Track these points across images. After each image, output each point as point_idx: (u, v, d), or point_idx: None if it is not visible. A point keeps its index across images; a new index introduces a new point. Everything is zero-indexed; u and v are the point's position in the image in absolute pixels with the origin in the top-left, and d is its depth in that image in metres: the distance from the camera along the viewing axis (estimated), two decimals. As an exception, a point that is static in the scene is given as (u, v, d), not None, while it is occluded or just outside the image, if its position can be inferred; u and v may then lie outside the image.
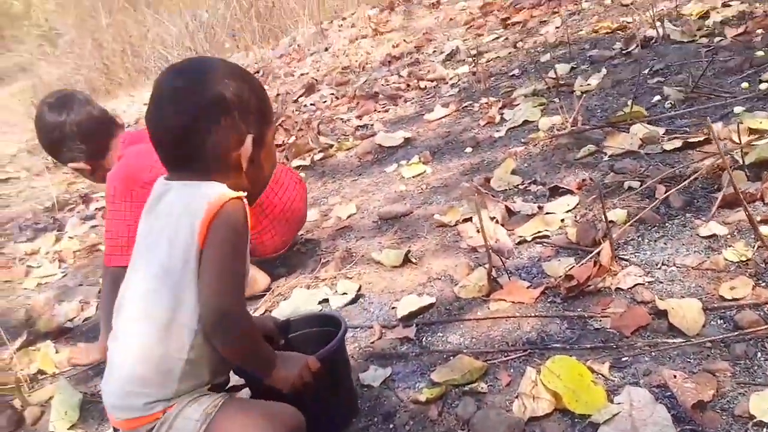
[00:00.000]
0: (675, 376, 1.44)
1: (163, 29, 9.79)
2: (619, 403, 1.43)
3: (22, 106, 11.79)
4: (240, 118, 1.41)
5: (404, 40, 6.06)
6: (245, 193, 1.41)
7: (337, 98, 5.12)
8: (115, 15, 10.89)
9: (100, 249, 3.70)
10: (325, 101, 5.12)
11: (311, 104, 5.17)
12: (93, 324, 2.81)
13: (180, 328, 1.35)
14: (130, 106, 8.68)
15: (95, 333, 2.71)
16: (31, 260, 3.85)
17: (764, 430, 1.29)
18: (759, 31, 3.27)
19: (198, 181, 1.40)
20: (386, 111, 4.38)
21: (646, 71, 3.26)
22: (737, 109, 2.56)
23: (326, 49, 7.04)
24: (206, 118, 1.39)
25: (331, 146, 4.00)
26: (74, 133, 2.37)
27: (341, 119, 4.52)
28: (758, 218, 1.88)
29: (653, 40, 3.60)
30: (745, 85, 2.78)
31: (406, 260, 2.40)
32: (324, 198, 3.36)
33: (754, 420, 1.31)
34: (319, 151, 3.97)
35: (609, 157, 2.59)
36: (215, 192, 1.36)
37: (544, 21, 4.90)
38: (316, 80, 5.84)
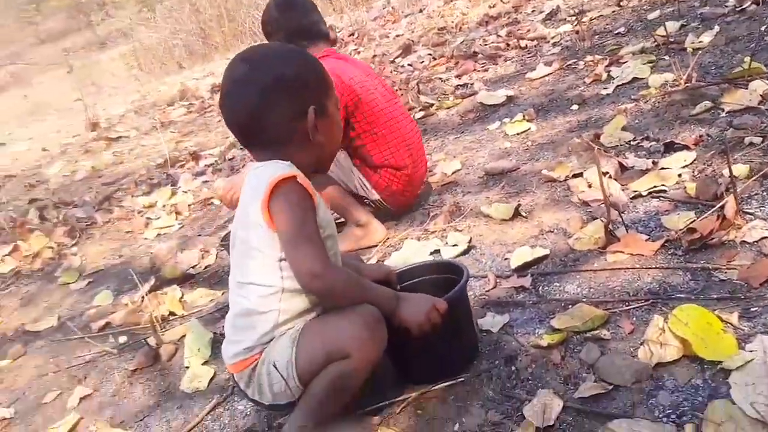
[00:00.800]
0: (810, 326, 1.41)
1: (257, -6, 9.92)
2: (751, 351, 1.41)
3: (125, 70, 12.23)
4: (300, 92, 1.54)
5: (501, 1, 5.97)
6: (298, 171, 1.50)
7: (434, 59, 5.10)
8: (212, -19, 11.10)
9: (213, 202, 3.84)
10: (422, 62, 5.12)
11: (408, 65, 5.18)
12: (213, 271, 2.93)
13: (265, 290, 1.52)
14: (228, 69, 8.87)
15: (216, 279, 2.84)
16: (149, 213, 4.04)
17: None
18: None
19: (267, 162, 1.54)
20: (486, 70, 4.35)
21: (763, 28, 3.12)
22: None
23: (421, 11, 7.01)
24: (270, 97, 1.51)
25: (432, 105, 4.01)
26: None
27: (440, 79, 4.51)
28: None
29: (769, -4, 3.45)
30: None
31: (516, 214, 2.41)
32: (428, 155, 3.38)
33: None
34: (420, 110, 3.99)
35: (727, 113, 2.51)
36: (270, 176, 1.47)
37: (649, -22, 4.75)
38: (412, 41, 5.84)
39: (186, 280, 2.90)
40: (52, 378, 2.51)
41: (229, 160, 4.65)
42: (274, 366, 1.51)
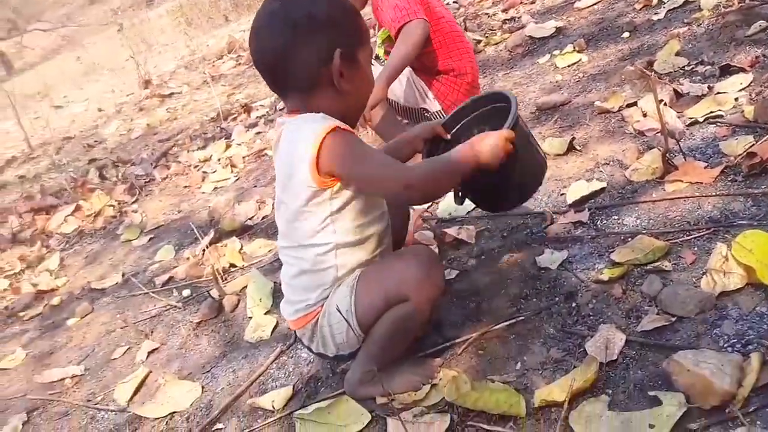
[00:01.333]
0: None
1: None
2: (819, 276, 1.38)
3: (173, 26, 12.25)
4: (329, 33, 1.47)
5: (544, -72, 5.76)
6: (341, 123, 1.46)
7: (479, -7, 4.98)
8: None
9: (267, 154, 3.87)
10: (467, -2, 5.00)
11: (453, 1, 5.06)
12: (270, 221, 2.97)
13: (321, 249, 1.53)
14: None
15: (274, 230, 2.87)
16: (205, 167, 4.09)
17: None
18: None
19: (300, 116, 1.50)
20: (533, 2, 4.23)
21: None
22: None
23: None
24: (297, 37, 1.45)
25: (479, 42, 3.93)
26: None
27: (486, 14, 4.41)
28: None
29: None
30: None
31: (571, 147, 2.37)
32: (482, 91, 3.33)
33: None
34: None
35: (785, 31, 2.40)
36: (313, 133, 1.43)
37: None
38: (455, -23, 5.69)
39: (244, 231, 2.95)
40: (120, 333, 2.60)
41: (280, 110, 4.65)
42: (338, 310, 1.53)
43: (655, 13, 3.11)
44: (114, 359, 2.43)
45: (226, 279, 2.60)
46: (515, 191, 1.73)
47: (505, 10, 4.30)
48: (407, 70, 2.66)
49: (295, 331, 1.68)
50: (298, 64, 1.47)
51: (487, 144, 1.51)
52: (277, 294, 2.34)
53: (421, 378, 1.59)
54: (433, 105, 2.69)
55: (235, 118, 4.87)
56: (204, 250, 2.76)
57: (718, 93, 2.25)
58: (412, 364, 1.64)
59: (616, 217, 1.91)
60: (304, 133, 1.45)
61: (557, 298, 1.70)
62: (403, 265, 1.52)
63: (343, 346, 1.59)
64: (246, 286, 2.42)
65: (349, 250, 1.55)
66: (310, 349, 1.68)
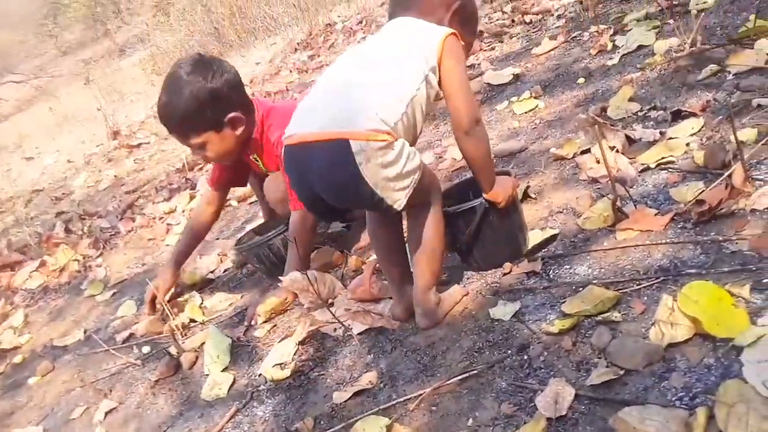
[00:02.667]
0: (823, 296, 1.36)
1: (266, -12, 9.88)
2: (763, 325, 1.36)
3: (144, 75, 12.27)
4: None
5: (505, -24, 5.85)
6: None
7: (441, 40, 5.02)
8: (221, -21, 11.06)
9: (231, 205, 3.84)
10: (430, 45, 5.05)
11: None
12: (232, 274, 2.93)
13: (409, 81, 1.67)
14: (242, 67, 8.86)
15: (235, 283, 2.84)
16: (169, 218, 4.05)
17: None
18: None
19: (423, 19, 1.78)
20: (492, 49, 4.27)
21: (768, -17, 3.01)
22: None
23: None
24: None
25: (441, 89, 3.94)
26: None
27: (447, 61, 4.44)
28: None
29: (773, -51, 3.32)
30: None
31: (526, 195, 2.36)
32: (437, 140, 3.34)
33: None
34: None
35: (733, 75, 2.42)
36: (440, 28, 1.73)
37: (651, -60, 4.61)
38: (419, 24, 5.75)
39: (206, 285, 2.90)
40: (79, 393, 2.53)
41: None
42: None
43: (610, 58, 3.15)
44: (72, 419, 2.38)
45: (185, 335, 2.55)
46: (510, 243, 2.01)
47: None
48: None
49: (342, 141, 1.59)
50: None
51: (502, 180, 1.88)
52: (235, 350, 2.30)
53: (460, 291, 1.94)
54: None
55: (201, 168, 4.84)
56: (163, 306, 2.70)
57: (670, 138, 2.26)
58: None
59: (568, 267, 1.90)
60: (432, 25, 1.75)
61: (509, 351, 1.68)
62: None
63: (398, 187, 1.66)
64: (204, 343, 2.37)
65: (418, 110, 1.70)
66: (346, 181, 1.62)
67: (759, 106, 2.15)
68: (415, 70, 1.68)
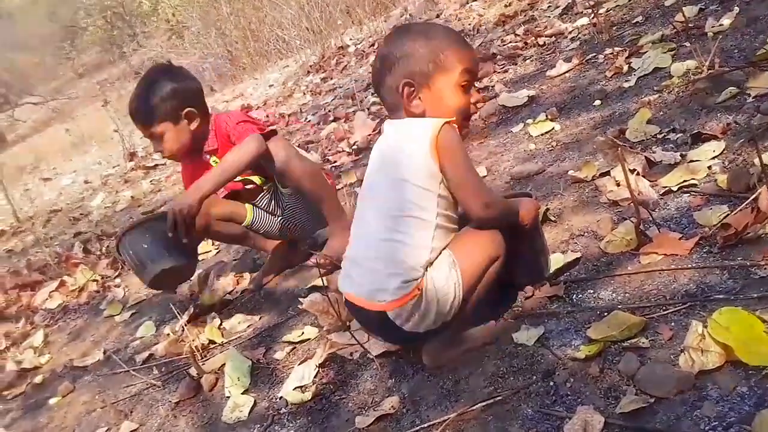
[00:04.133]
0: None
1: (279, 12, 9.92)
2: (797, 354, 1.32)
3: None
4: (397, 68, 1.75)
5: (517, -1, 5.87)
6: (453, 118, 1.73)
7: (455, 63, 5.01)
8: (234, 4, 11.14)
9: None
10: (443, 67, 5.04)
11: (430, 71, 5.10)
12: (251, 295, 2.90)
13: (423, 226, 1.69)
14: (256, 89, 8.90)
15: (253, 304, 2.81)
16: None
17: None
18: None
19: (414, 119, 1.76)
20: (506, 71, 4.26)
21: (785, 5, 2.99)
22: None
23: (437, 16, 6.91)
24: (382, 70, 1.79)
25: (455, 111, 3.92)
26: None
27: (462, 83, 4.42)
28: None
29: (788, -28, 3.30)
30: None
31: (546, 218, 2.33)
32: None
33: None
34: (445, 117, 3.90)
35: (753, 98, 2.39)
36: (430, 124, 1.69)
37: (664, -36, 4.59)
38: (432, 47, 5.75)
39: (224, 306, 2.87)
40: (100, 414, 2.51)
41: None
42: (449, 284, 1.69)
43: (626, 80, 3.12)
44: (93, 442, 2.35)
45: (205, 357, 2.53)
46: (533, 264, 1.97)
47: (479, 79, 4.32)
48: None
49: (384, 313, 1.69)
50: (391, 92, 1.81)
51: (526, 203, 1.87)
52: (255, 371, 2.27)
53: (490, 332, 1.85)
54: None
55: (217, 190, 4.82)
56: (183, 327, 2.68)
57: (691, 161, 2.23)
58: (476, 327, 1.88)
59: (591, 291, 1.86)
60: (422, 122, 1.72)
61: (534, 377, 1.64)
62: (491, 231, 1.75)
63: (441, 317, 1.71)
64: (224, 364, 2.35)
65: (443, 233, 1.72)
66: (392, 333, 1.76)
67: (780, 128, 2.12)
68: (427, 207, 1.70)
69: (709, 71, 2.65)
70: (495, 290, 1.86)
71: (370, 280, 1.72)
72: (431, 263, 1.69)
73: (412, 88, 1.74)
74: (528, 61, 4.24)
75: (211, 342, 2.61)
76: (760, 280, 1.59)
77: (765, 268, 1.62)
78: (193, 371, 2.37)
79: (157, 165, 6.76)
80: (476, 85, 4.02)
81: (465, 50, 1.80)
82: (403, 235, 1.68)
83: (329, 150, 4.55)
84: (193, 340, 2.54)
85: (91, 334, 3.37)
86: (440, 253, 1.71)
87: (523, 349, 1.75)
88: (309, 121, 5.69)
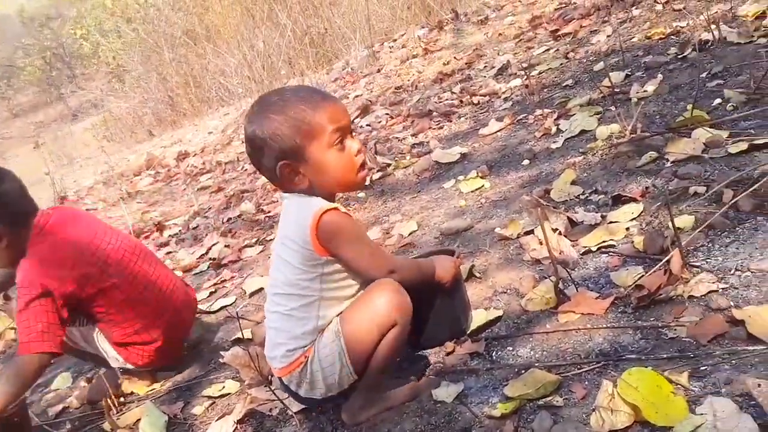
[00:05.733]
0: (759, 385, 1.36)
1: (222, 60, 9.95)
2: (701, 414, 1.36)
3: (96, 140, 12.16)
4: (267, 151, 1.69)
5: (455, 58, 6.02)
6: (337, 205, 1.70)
7: (391, 117, 5.10)
8: (177, 50, 11.14)
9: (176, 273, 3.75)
10: (380, 121, 5.12)
11: (367, 125, 5.17)
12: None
13: (308, 300, 1.70)
14: (195, 135, 8.85)
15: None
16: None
17: None
18: (820, 28, 3.14)
19: (302, 196, 1.72)
20: (441, 128, 4.34)
21: (704, 75, 3.14)
22: (802, 108, 2.45)
23: (378, 71, 7.05)
24: (255, 153, 1.73)
25: (389, 165, 3.98)
26: None
27: (397, 138, 4.50)
28: (832, 218, 1.78)
29: (709, 43, 3.48)
30: (808, 83, 2.66)
31: (471, 275, 2.36)
32: (385, 216, 3.34)
33: None
34: (378, 171, 3.95)
35: (671, 163, 2.50)
36: (310, 210, 1.66)
37: (595, 30, 4.80)
38: (371, 101, 5.85)
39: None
40: (6, 471, 2.38)
41: (193, 229, 4.57)
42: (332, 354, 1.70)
43: (554, 142, 3.22)
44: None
45: (121, 410, 2.44)
46: (455, 320, 1.94)
47: (414, 135, 4.39)
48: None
49: (280, 379, 1.79)
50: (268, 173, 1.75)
51: (442, 260, 1.87)
52: (172, 427, 2.20)
53: (409, 391, 1.83)
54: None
55: (147, 236, 4.74)
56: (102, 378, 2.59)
57: (611, 222, 2.30)
58: (395, 384, 1.86)
59: (510, 348, 1.88)
60: (303, 210, 1.68)
61: (452, 435, 1.64)
62: (383, 296, 1.69)
63: (334, 387, 1.74)
64: (140, 419, 2.27)
65: (332, 304, 1.72)
66: (296, 395, 1.79)
67: (696, 193, 2.21)
68: (309, 286, 1.70)
69: (631, 135, 2.76)
70: (412, 353, 1.89)
71: (270, 345, 1.79)
72: (321, 331, 1.71)
73: (289, 168, 1.68)
74: (462, 118, 4.34)
75: (132, 393, 2.53)
76: (670, 340, 1.64)
77: (675, 330, 1.66)
78: (107, 426, 2.29)
79: (88, 209, 6.60)
80: (412, 139, 4.07)
81: (325, 108, 1.68)
82: (289, 308, 1.72)
83: (264, 199, 4.53)
84: (108, 394, 2.45)
85: (3, 385, 3.22)
86: (331, 321, 1.72)
87: (442, 406, 1.75)
88: (245, 169, 5.67)
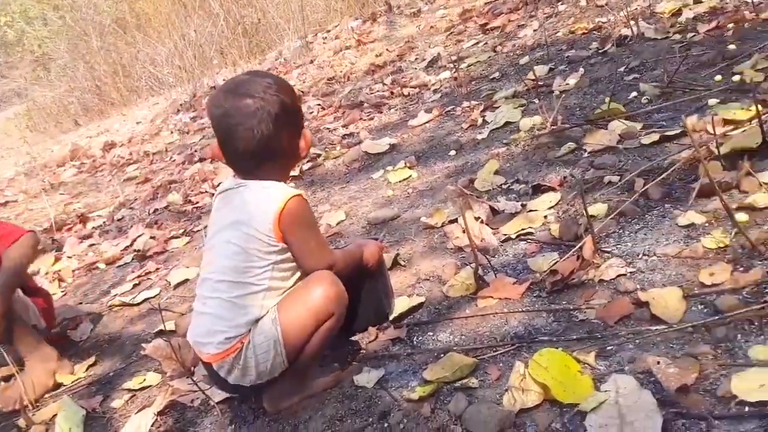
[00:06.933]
0: (659, 362, 1.44)
1: (152, 49, 9.77)
2: (605, 391, 1.43)
3: (18, 130, 11.78)
4: (239, 134, 1.69)
5: (387, 50, 6.08)
6: (302, 191, 1.74)
7: (323, 108, 5.12)
8: (105, 38, 10.89)
9: (98, 267, 3.69)
10: (311, 112, 5.13)
11: (299, 115, 5.16)
12: (93, 340, 2.79)
13: (255, 289, 1.70)
14: (123, 125, 8.68)
15: (98, 349, 2.70)
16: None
17: (746, 408, 1.29)
18: (730, 25, 3.29)
19: (267, 182, 1.73)
20: (371, 119, 4.38)
21: (623, 69, 3.27)
22: (711, 102, 2.57)
23: (311, 62, 7.05)
24: (226, 137, 1.72)
25: (319, 156, 4.00)
26: None
27: (328, 129, 4.52)
28: (734, 206, 1.89)
29: (628, 39, 3.62)
30: (718, 78, 2.79)
31: (396, 263, 2.40)
32: (314, 206, 3.36)
33: (737, 400, 1.31)
34: (308, 161, 3.97)
35: (589, 153, 2.60)
36: (278, 196, 1.68)
37: (522, 25, 4.92)
38: (303, 92, 5.85)
39: (65, 351, 2.74)
40: None
41: (118, 220, 4.49)
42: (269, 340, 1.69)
43: (480, 133, 3.29)
44: None
45: (37, 406, 2.40)
46: (377, 307, 1.98)
47: (345, 126, 4.42)
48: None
49: (210, 365, 1.75)
50: (283, 145, 1.74)
51: (368, 244, 1.93)
52: (89, 422, 2.17)
53: (332, 379, 1.86)
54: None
55: (69, 229, 4.64)
56: (15, 374, 2.53)
57: (530, 211, 2.38)
58: (319, 371, 1.88)
59: (431, 334, 1.93)
60: (274, 194, 1.68)
61: (371, 419, 1.68)
62: (321, 287, 1.71)
63: (265, 374, 1.73)
64: (56, 414, 2.23)
65: (274, 294, 1.72)
66: (224, 383, 1.77)
67: (610, 182, 2.30)
68: (260, 274, 1.70)
69: (552, 127, 2.85)
70: (337, 340, 1.91)
71: (203, 332, 1.75)
72: (259, 320, 1.71)
73: (298, 138, 1.76)
74: (393, 110, 4.39)
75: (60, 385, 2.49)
76: (580, 322, 1.71)
77: (585, 312, 1.74)
78: (21, 422, 2.25)
79: (7, 201, 6.39)
80: (343, 130, 4.10)
81: (290, 89, 1.76)
82: (234, 296, 1.70)
83: (192, 190, 4.49)
84: (24, 389, 2.40)
85: None
86: (269, 311, 1.72)
87: (362, 391, 1.79)
88: (174, 160, 5.60)
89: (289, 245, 1.70)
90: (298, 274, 1.77)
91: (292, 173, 2.10)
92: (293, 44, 7.98)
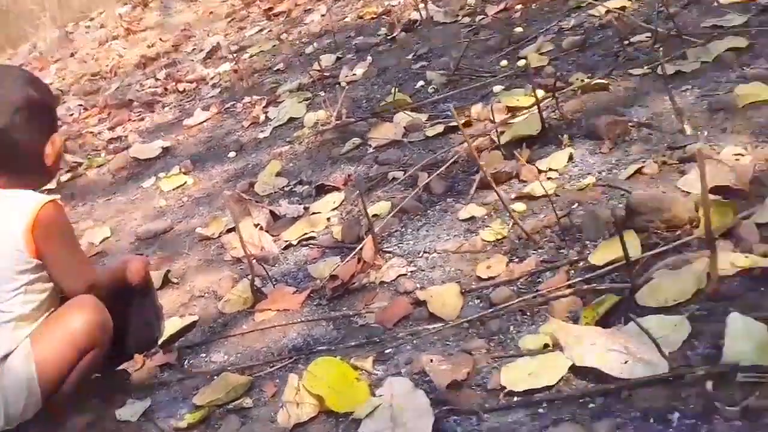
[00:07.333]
0: (432, 360, 1.58)
1: None
2: (380, 395, 1.55)
3: None
4: (47, 116, 1.76)
5: (160, 39, 6.01)
6: (58, 196, 1.72)
7: (86, 109, 4.99)
8: None
9: None
10: (72, 114, 4.97)
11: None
12: None
13: (2, 318, 1.65)
14: None
15: None
16: None
17: (514, 398, 1.45)
18: (518, 7, 3.57)
19: (10, 190, 1.68)
20: (142, 119, 4.34)
21: (410, 56, 3.47)
22: (497, 88, 2.81)
23: (72, 55, 6.82)
24: (22, 119, 1.68)
25: (80, 164, 3.91)
26: None
27: (91, 133, 4.42)
28: (513, 195, 2.10)
29: (417, 23, 3.84)
30: (504, 63, 3.04)
31: (166, 281, 2.43)
32: (74, 223, 3.26)
33: (505, 391, 1.47)
34: (66, 171, 3.86)
35: (374, 148, 2.75)
36: (28, 204, 1.63)
37: (309, 9, 5.06)
38: (62, 91, 5.66)
39: None
40: None
41: None
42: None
43: (262, 131, 3.37)
44: None
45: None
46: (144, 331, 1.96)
47: (111, 128, 4.34)
48: None
49: None
50: (21, 146, 1.69)
51: (133, 259, 1.94)
52: None
53: (92, 416, 1.82)
54: None
55: None
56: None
57: (313, 214, 2.49)
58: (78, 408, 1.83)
59: (204, 355, 1.99)
60: (24, 203, 1.64)
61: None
62: (82, 315, 1.68)
63: (15, 418, 1.67)
64: None
65: (26, 324, 1.67)
66: None
67: (394, 178, 2.47)
68: (10, 299, 1.66)
69: (336, 122, 2.99)
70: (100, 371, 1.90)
71: None
72: (8, 355, 1.65)
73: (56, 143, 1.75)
74: (167, 108, 4.37)
75: None
76: (360, 328, 1.84)
77: (365, 317, 1.87)
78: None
79: None
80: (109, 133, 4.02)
81: (43, 85, 1.80)
82: None
83: None
84: None
85: None
86: (20, 345, 1.67)
87: (126, 426, 1.80)
88: None
89: (45, 260, 1.66)
90: (55, 297, 1.74)
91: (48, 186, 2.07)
92: (50, 35, 7.67)
